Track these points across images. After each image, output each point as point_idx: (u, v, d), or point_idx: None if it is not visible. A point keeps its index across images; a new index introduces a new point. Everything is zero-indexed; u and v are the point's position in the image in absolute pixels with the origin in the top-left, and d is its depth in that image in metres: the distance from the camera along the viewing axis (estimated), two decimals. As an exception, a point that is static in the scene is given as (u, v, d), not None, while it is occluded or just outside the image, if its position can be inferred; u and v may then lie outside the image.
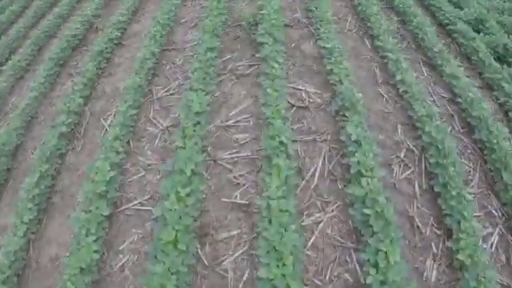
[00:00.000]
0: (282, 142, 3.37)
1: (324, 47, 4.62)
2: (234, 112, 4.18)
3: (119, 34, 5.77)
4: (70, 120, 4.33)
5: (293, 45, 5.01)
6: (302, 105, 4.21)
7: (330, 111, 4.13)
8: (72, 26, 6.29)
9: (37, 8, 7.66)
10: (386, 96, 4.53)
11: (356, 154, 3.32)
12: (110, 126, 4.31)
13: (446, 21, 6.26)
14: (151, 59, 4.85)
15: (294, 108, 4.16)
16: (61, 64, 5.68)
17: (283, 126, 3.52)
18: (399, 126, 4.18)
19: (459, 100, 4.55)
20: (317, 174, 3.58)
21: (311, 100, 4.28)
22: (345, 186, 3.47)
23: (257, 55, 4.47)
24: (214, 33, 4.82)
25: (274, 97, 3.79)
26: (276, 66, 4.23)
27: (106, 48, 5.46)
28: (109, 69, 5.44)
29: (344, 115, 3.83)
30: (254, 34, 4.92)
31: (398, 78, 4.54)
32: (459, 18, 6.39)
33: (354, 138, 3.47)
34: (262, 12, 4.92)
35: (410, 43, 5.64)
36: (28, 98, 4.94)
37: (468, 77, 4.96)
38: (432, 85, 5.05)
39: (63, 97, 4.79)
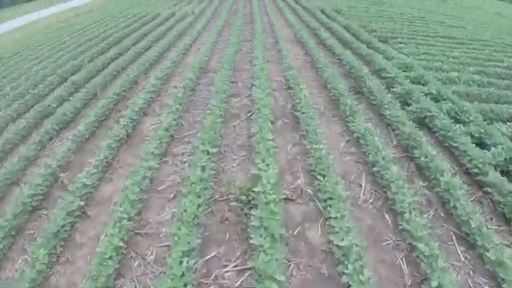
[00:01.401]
0: None
1: (337, 246, 3.63)
2: None
3: (83, 202, 4.85)
4: None
5: (296, 231, 4.05)
6: None
7: None
8: (32, 182, 5.42)
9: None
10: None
11: None
12: None
13: (475, 169, 5.41)
14: (114, 256, 3.84)
15: None
16: (13, 235, 4.69)
17: None
18: None
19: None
20: None
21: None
22: None
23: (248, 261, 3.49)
24: (194, 222, 3.87)
25: None
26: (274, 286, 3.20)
27: (64, 226, 4.49)
28: (66, 253, 4.44)
29: None
30: (246, 214, 3.98)
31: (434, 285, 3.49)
32: (489, 164, 5.55)
33: None
34: (256, 189, 4.03)
35: (438, 210, 4.72)
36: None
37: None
38: (471, 273, 3.99)
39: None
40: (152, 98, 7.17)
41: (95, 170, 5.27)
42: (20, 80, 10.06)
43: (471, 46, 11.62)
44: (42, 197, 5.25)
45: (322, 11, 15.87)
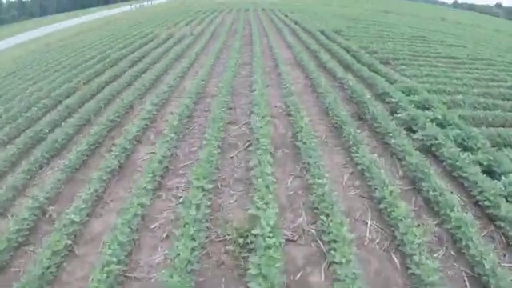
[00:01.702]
0: None
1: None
2: None
3: (70, 241, 4.57)
4: None
5: (297, 276, 3.76)
6: None
7: None
8: (19, 216, 5.15)
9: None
10: None
11: None
12: None
13: (486, 202, 5.14)
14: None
15: None
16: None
17: None
18: None
19: None
20: None
21: None
22: None
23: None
24: (188, 269, 3.58)
25: None
26: None
27: (49, 267, 4.19)
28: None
29: None
30: (243, 258, 3.70)
31: None
32: (500, 195, 5.29)
33: None
34: (254, 231, 3.76)
35: (449, 249, 4.45)
36: None
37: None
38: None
39: None
40: (147, 125, 6.96)
41: (84, 205, 4.99)
42: (14, 101, 9.88)
43: (473, 66, 11.56)
44: (28, 232, 4.98)
45: (322, 32, 15.86)
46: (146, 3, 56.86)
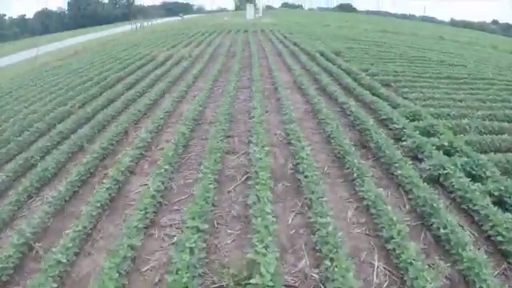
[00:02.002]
0: None
1: None
2: None
3: (56, 284, 4.24)
4: None
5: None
6: None
7: None
8: (3, 254, 4.83)
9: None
10: None
11: None
12: None
13: (498, 237, 4.86)
14: None
15: None
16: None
17: None
18: None
19: None
20: None
21: None
22: None
23: None
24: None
25: None
26: None
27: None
28: None
29: None
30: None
31: None
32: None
33: None
34: (253, 281, 3.45)
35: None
36: None
37: None
38: None
39: None
40: (141, 154, 6.71)
41: (72, 244, 4.69)
42: (7, 124, 9.68)
43: (475, 86, 11.48)
44: (13, 271, 4.67)
45: (322, 53, 15.82)
46: (146, 23, 57.52)
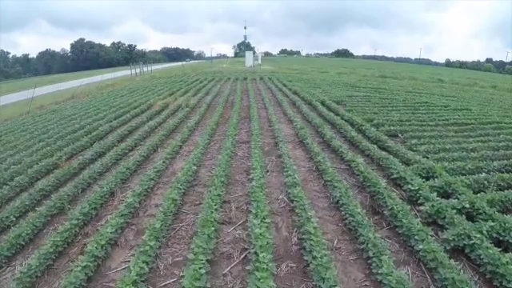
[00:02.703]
0: None
1: None
2: None
3: None
4: None
5: None
6: None
7: None
8: None
9: None
10: None
11: None
12: None
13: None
14: None
15: None
16: None
17: None
18: None
19: None
20: None
21: None
22: None
23: None
24: None
25: None
26: None
27: None
28: None
29: None
30: None
31: None
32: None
33: None
34: None
35: None
36: None
37: None
38: None
39: None
40: (126, 222, 6.01)
41: None
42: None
43: (484, 132, 11.12)
44: None
45: (323, 103, 15.55)
46: (145, 69, 58.61)
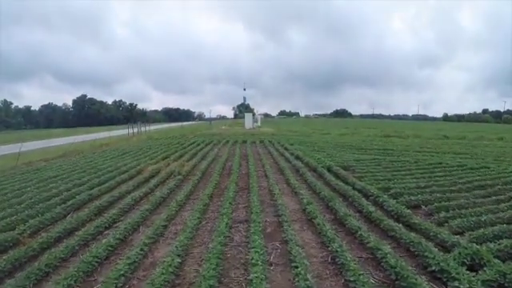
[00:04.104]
0: None
1: None
2: None
3: None
4: None
5: None
6: None
7: None
8: None
9: None
10: None
11: None
12: None
13: None
14: None
15: None
16: None
17: None
18: None
19: None
20: None
21: None
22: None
23: None
24: None
25: None
26: None
27: None
28: None
29: None
30: None
31: None
32: None
33: None
34: None
35: None
36: None
37: None
38: None
39: None
40: None
41: None
42: None
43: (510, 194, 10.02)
44: None
45: (329, 169, 14.27)
46: (143, 128, 58.30)
